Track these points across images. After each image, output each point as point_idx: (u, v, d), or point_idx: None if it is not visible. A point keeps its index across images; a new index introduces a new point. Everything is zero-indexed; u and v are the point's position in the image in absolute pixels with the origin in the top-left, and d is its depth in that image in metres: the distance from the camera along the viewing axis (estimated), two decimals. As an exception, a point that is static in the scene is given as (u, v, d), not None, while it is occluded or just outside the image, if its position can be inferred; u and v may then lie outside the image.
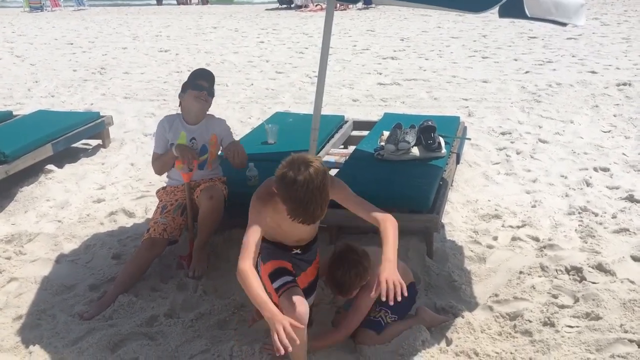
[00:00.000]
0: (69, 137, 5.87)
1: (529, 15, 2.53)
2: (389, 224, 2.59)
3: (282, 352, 2.26)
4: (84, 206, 4.92)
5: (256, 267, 2.82)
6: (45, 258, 4.00)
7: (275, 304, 2.49)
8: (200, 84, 3.71)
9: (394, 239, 2.56)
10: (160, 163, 3.77)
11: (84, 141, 6.42)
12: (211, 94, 3.76)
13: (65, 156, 5.98)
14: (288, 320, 2.34)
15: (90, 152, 6.32)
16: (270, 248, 2.82)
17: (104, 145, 6.47)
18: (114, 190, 5.27)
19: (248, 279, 2.42)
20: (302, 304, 2.57)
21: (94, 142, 6.55)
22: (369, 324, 3.02)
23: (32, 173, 5.42)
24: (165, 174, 3.86)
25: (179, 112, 3.80)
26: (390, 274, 2.43)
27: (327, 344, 2.96)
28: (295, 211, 2.44)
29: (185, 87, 3.74)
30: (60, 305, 3.44)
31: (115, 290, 3.45)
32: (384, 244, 2.55)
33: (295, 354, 2.61)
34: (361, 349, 2.98)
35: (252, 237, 2.52)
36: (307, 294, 2.93)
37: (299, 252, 2.87)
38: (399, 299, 2.40)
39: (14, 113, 6.67)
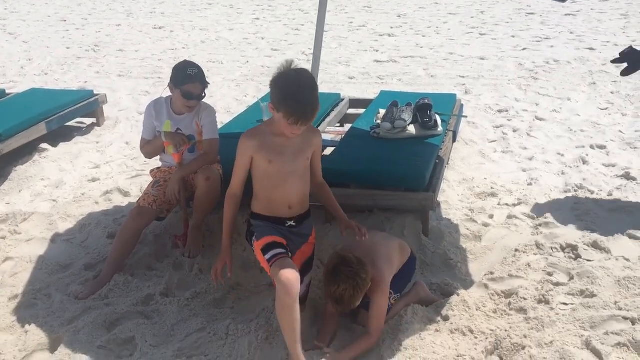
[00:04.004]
0: (62, 115, 5.83)
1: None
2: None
3: (214, 279, 2.87)
4: (78, 185, 4.90)
5: (251, 245, 2.87)
6: (41, 237, 3.99)
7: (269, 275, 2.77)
8: (189, 92, 3.48)
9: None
10: (150, 148, 3.74)
11: (78, 120, 6.37)
12: (203, 91, 3.55)
13: (60, 135, 5.94)
14: (222, 262, 2.85)
15: (84, 131, 6.28)
16: (264, 225, 2.83)
17: (98, 124, 6.42)
18: (109, 169, 5.24)
19: (225, 208, 2.86)
20: (291, 273, 2.57)
21: (88, 121, 6.50)
22: None
23: (26, 152, 5.39)
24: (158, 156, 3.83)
25: (170, 94, 3.65)
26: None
27: (358, 353, 2.80)
28: (290, 108, 2.55)
29: (175, 84, 3.49)
30: (56, 284, 3.44)
31: (108, 269, 3.44)
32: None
33: (288, 327, 2.59)
34: (358, 329, 2.99)
35: (239, 169, 2.82)
36: (303, 273, 2.93)
37: (293, 224, 2.86)
38: None
39: (7, 91, 6.61)
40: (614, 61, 4.18)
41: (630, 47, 4.11)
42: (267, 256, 2.70)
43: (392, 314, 3.01)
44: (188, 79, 3.48)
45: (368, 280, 2.75)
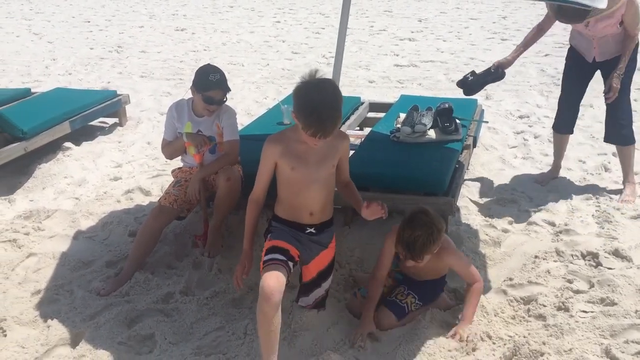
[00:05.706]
0: (86, 115, 5.92)
1: (548, -3, 2.49)
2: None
3: (236, 284, 2.82)
4: (101, 184, 4.97)
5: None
6: (63, 234, 4.05)
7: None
8: (211, 98, 3.52)
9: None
10: (171, 149, 3.77)
11: (101, 119, 6.46)
12: (225, 96, 3.59)
13: (83, 134, 6.03)
14: (242, 266, 2.80)
15: (107, 131, 6.37)
16: (282, 229, 2.80)
17: (120, 124, 6.51)
18: (131, 168, 5.31)
19: (247, 213, 2.83)
20: (274, 281, 2.56)
21: (110, 121, 6.59)
22: (392, 305, 3.01)
23: (50, 150, 5.48)
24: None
25: (191, 96, 3.68)
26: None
27: (476, 304, 2.99)
28: (308, 118, 2.49)
29: (197, 88, 3.53)
30: (78, 280, 3.49)
31: (129, 266, 3.49)
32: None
33: (264, 336, 2.58)
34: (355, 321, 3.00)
35: (262, 175, 2.78)
36: (321, 279, 2.94)
37: (314, 231, 2.83)
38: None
39: (32, 90, 6.73)
40: (459, 84, 4.43)
41: (473, 72, 4.43)
42: (265, 257, 2.69)
43: (407, 320, 3.01)
44: (210, 85, 3.51)
45: (442, 234, 2.84)
